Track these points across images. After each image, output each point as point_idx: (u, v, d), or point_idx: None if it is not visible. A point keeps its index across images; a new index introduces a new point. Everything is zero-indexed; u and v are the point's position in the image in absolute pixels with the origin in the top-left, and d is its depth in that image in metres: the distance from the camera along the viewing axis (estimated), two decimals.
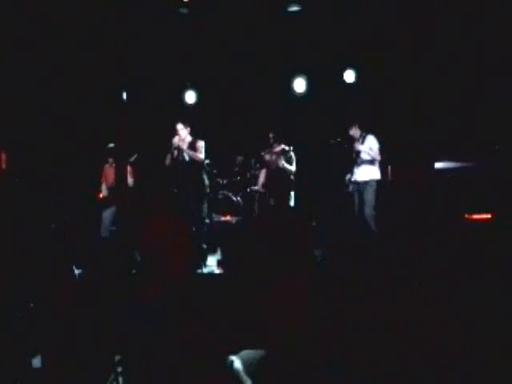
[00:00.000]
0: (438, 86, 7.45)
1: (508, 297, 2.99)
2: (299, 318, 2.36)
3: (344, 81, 8.14)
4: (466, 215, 6.46)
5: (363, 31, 7.51)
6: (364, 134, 6.65)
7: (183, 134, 6.35)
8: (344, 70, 8.12)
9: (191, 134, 6.47)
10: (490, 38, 6.88)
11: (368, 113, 7.41)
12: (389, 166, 7.28)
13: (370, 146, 6.54)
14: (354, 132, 6.73)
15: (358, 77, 8.08)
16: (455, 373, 2.18)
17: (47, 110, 7.65)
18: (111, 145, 7.13)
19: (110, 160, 7.11)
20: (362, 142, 6.59)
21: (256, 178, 7.48)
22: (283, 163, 6.67)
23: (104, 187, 7.15)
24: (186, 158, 6.33)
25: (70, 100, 7.83)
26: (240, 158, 8.10)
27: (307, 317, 2.37)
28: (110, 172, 7.13)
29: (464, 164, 7.04)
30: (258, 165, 7.72)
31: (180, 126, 6.35)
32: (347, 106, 7.81)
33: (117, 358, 2.57)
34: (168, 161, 6.34)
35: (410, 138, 7.54)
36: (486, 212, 6.38)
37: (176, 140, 6.32)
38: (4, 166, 7.56)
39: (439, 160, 7.15)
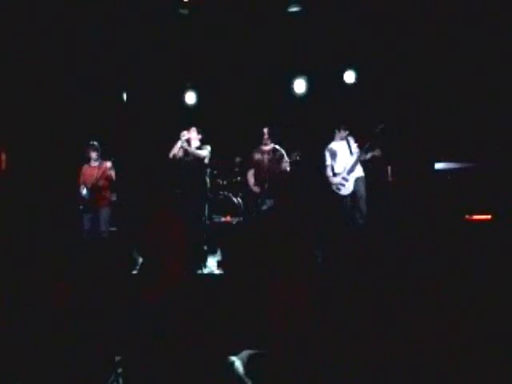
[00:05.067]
0: (437, 86, 7.45)
1: (508, 297, 2.99)
2: (299, 319, 2.36)
3: (344, 81, 8.14)
4: (467, 216, 6.45)
5: (363, 31, 7.51)
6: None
7: (193, 136, 6.44)
8: (344, 70, 8.12)
9: (200, 140, 6.54)
10: (490, 38, 6.89)
11: (368, 113, 7.41)
12: (388, 167, 7.29)
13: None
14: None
15: (358, 77, 8.08)
16: (455, 373, 2.18)
17: (47, 110, 7.65)
18: (94, 142, 6.71)
19: (94, 155, 6.63)
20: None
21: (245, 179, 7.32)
22: (285, 167, 6.48)
23: (83, 188, 6.54)
24: (188, 159, 6.35)
25: (69, 100, 7.83)
26: (238, 159, 8.06)
27: (307, 317, 2.37)
28: (89, 172, 6.63)
29: (464, 164, 7.03)
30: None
31: (193, 129, 6.49)
32: (347, 107, 7.80)
33: (117, 358, 2.58)
34: (171, 154, 6.35)
35: (410, 139, 7.55)
36: (486, 212, 6.38)
37: (185, 132, 6.36)
38: (4, 165, 7.57)
39: (439, 160, 7.15)
